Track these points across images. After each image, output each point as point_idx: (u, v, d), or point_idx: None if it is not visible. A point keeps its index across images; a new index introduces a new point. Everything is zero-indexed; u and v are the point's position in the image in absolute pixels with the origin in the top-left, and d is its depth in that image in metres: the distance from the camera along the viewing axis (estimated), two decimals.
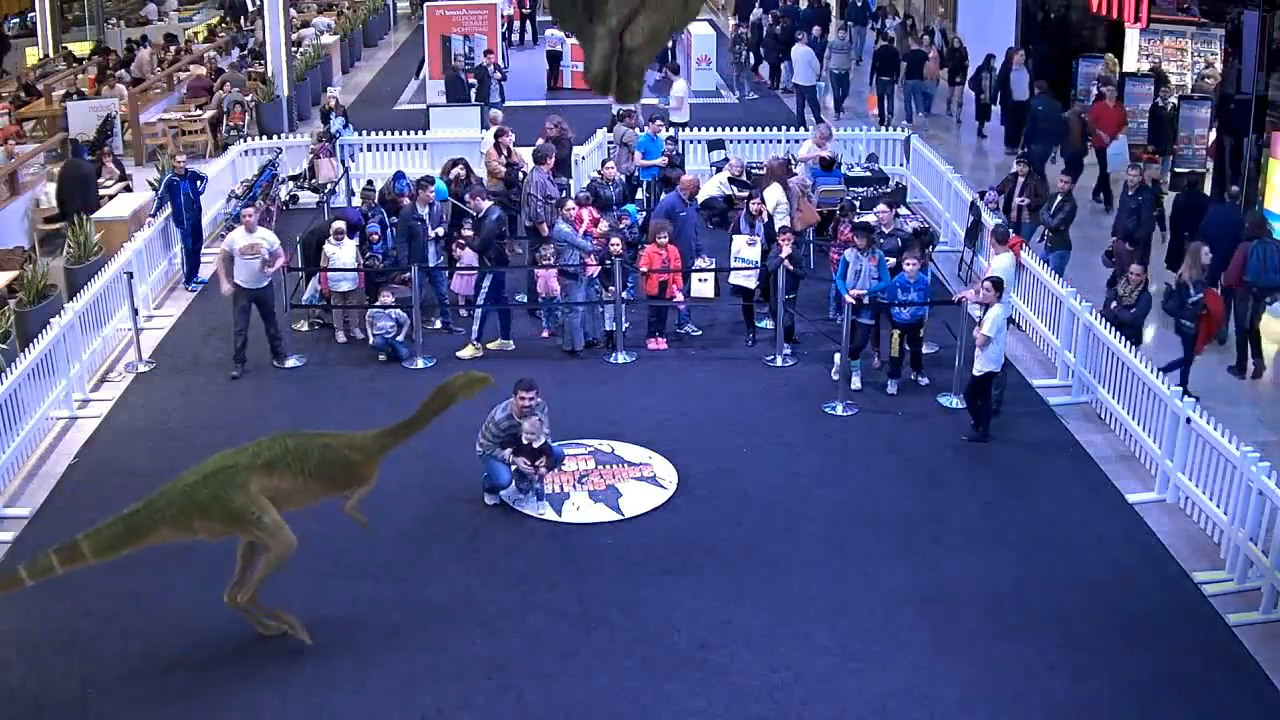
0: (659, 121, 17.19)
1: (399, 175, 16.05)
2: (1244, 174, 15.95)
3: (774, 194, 14.23)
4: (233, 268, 12.42)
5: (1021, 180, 14.87)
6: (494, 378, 11.99)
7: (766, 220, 13.55)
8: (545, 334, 13.48)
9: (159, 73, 25.35)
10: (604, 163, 16.03)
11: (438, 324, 13.45)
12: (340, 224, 13.39)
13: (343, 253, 13.24)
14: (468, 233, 13.95)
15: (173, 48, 28.85)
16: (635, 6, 6.23)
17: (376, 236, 13.66)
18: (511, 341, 13.15)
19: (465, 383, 8.23)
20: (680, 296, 13.25)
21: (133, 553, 7.81)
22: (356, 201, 16.23)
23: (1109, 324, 11.48)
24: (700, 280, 13.43)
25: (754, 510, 10.00)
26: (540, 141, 16.03)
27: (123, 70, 25.29)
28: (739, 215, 13.81)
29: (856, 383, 12.12)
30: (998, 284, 11.05)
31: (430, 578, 9.04)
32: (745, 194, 15.06)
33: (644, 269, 12.92)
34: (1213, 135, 17.01)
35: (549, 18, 34.85)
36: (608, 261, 12.94)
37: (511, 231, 15.88)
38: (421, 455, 10.73)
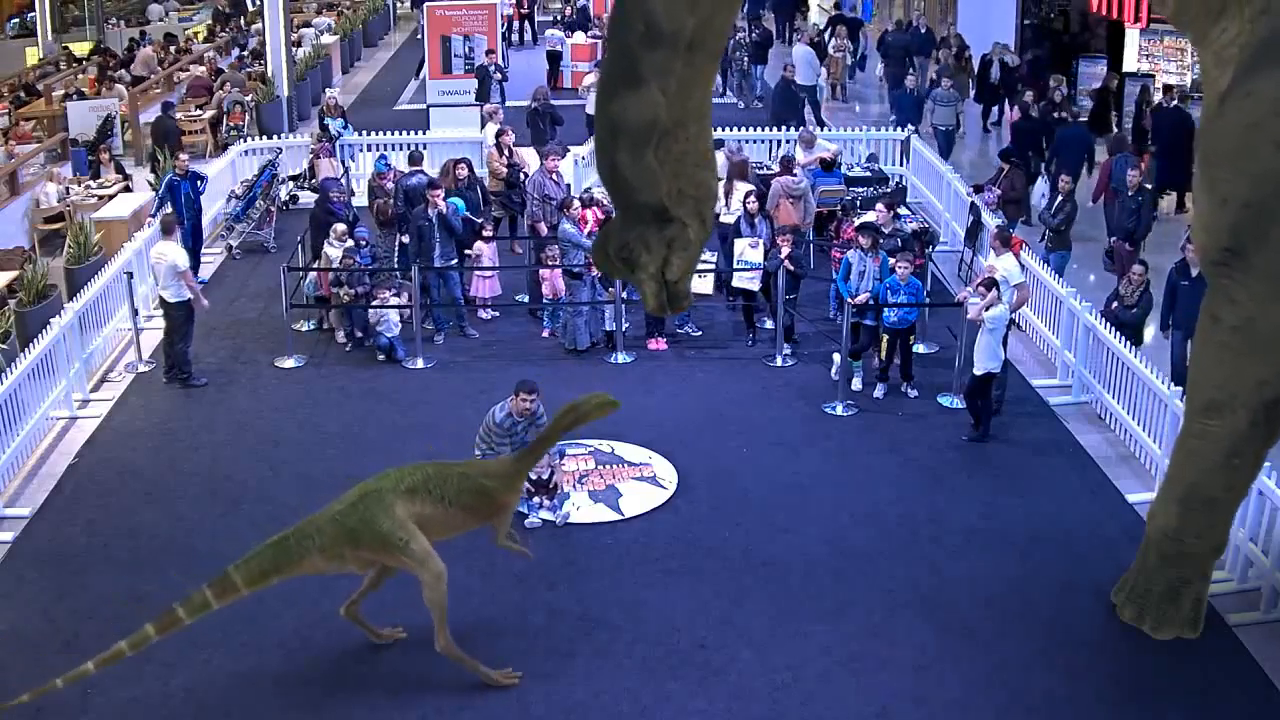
0: None
1: (382, 157, 16.28)
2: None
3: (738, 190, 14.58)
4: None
5: (1003, 174, 15.49)
6: (491, 379, 12.12)
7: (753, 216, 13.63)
8: (546, 334, 13.49)
9: (160, 72, 25.36)
10: None
11: (430, 325, 13.41)
12: (341, 225, 13.41)
13: (342, 254, 13.23)
14: (488, 231, 14.01)
15: (173, 48, 28.86)
16: (664, 253, 7.11)
17: (365, 241, 13.63)
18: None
19: (598, 404, 8.01)
20: None
21: (282, 582, 7.66)
22: (359, 202, 16.28)
23: (1109, 324, 11.49)
24: (699, 277, 13.43)
25: (754, 510, 10.00)
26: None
27: (123, 70, 25.30)
28: (739, 217, 13.81)
29: (857, 383, 12.13)
30: (996, 284, 11.05)
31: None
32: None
33: None
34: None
35: (549, 17, 34.98)
36: None
37: (512, 231, 15.93)
38: (423, 456, 10.73)
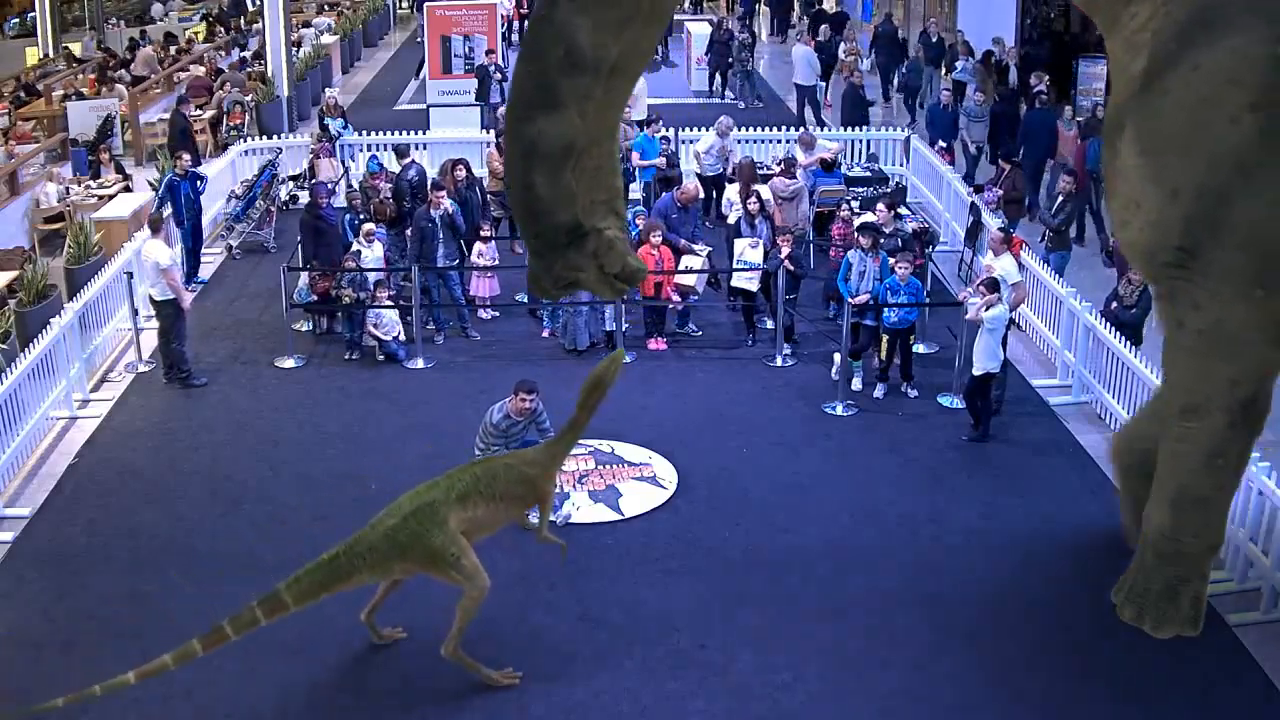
0: (657, 121, 17.20)
1: (373, 157, 16.42)
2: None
3: (730, 192, 15.14)
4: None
5: (1004, 174, 15.53)
6: (491, 379, 12.11)
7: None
8: (546, 334, 13.49)
9: (160, 72, 25.36)
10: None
11: (431, 326, 13.42)
12: (370, 225, 13.44)
13: (372, 254, 13.23)
14: (486, 230, 14.01)
15: (173, 48, 28.86)
16: (595, 263, 7.20)
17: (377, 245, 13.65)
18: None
19: (615, 368, 7.94)
20: (676, 297, 13.28)
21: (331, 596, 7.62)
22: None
23: (1109, 324, 11.49)
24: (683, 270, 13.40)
25: (754, 510, 10.00)
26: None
27: (123, 70, 25.30)
28: (739, 217, 13.84)
29: (857, 383, 12.13)
30: (997, 285, 11.06)
31: (430, 582, 9.02)
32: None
33: None
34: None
35: None
36: None
37: (512, 231, 15.92)
38: (422, 457, 10.74)
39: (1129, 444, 9.18)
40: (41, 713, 7.31)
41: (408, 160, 15.54)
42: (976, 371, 10.96)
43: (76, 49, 30.11)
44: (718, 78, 25.79)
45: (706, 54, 25.93)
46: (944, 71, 23.40)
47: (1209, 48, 7.10)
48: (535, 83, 6.86)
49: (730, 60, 25.20)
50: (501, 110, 18.59)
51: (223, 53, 28.72)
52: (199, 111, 22.04)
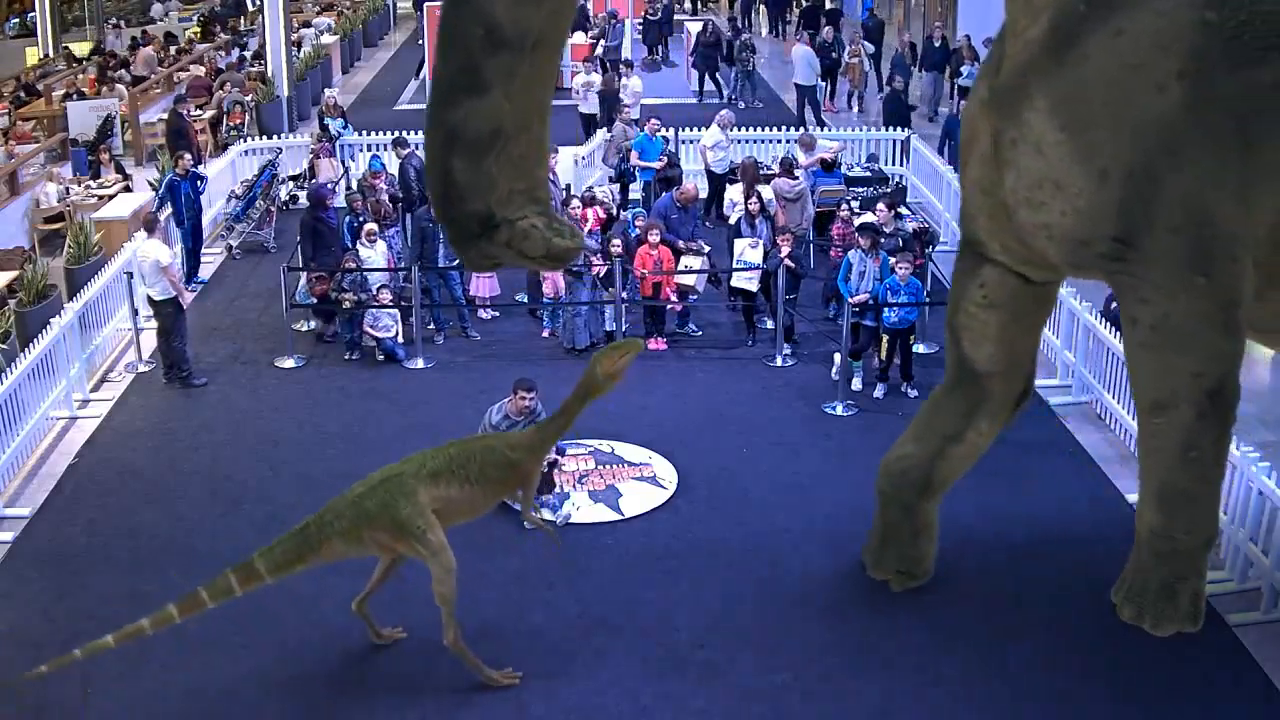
0: (656, 121, 17.19)
1: (375, 156, 16.52)
2: None
3: (733, 192, 15.23)
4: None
5: None
6: (491, 379, 12.11)
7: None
8: (546, 334, 13.49)
9: (160, 72, 25.37)
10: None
11: (431, 325, 13.42)
12: (372, 225, 13.45)
13: (375, 254, 13.24)
14: None
15: (173, 48, 28.86)
16: (512, 250, 7.19)
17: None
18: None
19: (610, 359, 7.75)
20: (674, 297, 13.29)
21: (306, 570, 7.60)
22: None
23: (1109, 323, 11.49)
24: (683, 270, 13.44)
25: (754, 510, 10.00)
26: None
27: (123, 70, 25.31)
28: (740, 217, 13.85)
29: (857, 383, 12.13)
30: None
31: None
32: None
33: (639, 271, 12.95)
34: None
35: None
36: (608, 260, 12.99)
37: None
38: None
39: (888, 467, 8.94)
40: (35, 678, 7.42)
41: (408, 151, 15.54)
42: None
43: (86, 47, 30.12)
44: (707, 79, 25.73)
45: (692, 55, 25.92)
46: (947, 76, 23.37)
47: (1132, 11, 6.84)
48: (458, 66, 6.65)
49: (730, 61, 25.17)
50: None
51: (222, 53, 28.72)
52: (199, 111, 22.06)
